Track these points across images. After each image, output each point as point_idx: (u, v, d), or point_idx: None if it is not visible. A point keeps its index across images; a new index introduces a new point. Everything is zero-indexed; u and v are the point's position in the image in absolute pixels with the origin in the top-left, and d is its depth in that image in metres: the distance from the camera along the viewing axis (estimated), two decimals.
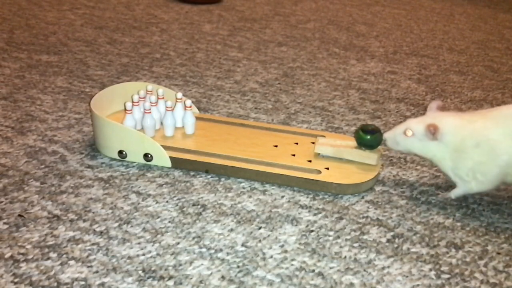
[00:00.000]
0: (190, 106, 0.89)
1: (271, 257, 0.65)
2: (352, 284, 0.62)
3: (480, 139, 0.73)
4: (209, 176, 0.82)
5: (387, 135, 0.80)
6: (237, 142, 0.88)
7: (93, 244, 0.66)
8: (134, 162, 0.84)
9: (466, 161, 0.74)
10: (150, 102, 0.87)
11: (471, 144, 0.73)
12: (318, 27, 1.70)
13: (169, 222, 0.71)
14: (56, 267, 0.61)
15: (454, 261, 0.67)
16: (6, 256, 0.63)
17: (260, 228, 0.71)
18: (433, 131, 0.74)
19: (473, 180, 0.75)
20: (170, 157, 0.82)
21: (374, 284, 0.62)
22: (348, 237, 0.70)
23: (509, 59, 1.51)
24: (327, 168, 0.82)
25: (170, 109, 0.87)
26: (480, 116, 0.75)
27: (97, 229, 0.68)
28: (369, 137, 0.81)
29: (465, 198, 0.81)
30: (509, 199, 0.81)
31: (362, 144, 0.82)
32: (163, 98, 0.92)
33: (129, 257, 0.64)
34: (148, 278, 0.61)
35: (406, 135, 0.77)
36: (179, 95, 0.90)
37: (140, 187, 0.78)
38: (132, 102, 0.86)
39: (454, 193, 0.79)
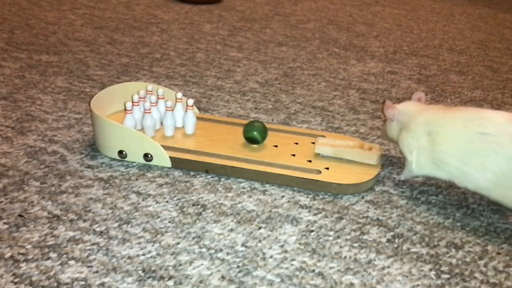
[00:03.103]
0: (192, 106, 0.89)
1: (271, 257, 0.65)
2: (352, 284, 0.62)
3: (433, 129, 0.76)
4: (209, 176, 0.82)
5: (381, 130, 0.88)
6: (237, 142, 0.88)
7: (93, 244, 0.66)
8: (134, 162, 0.84)
9: (412, 140, 0.79)
10: (150, 102, 0.87)
11: (423, 130, 0.77)
12: (318, 27, 1.70)
13: (169, 222, 0.71)
14: (56, 267, 0.61)
15: (454, 261, 0.67)
16: (6, 256, 0.63)
17: (260, 228, 0.71)
18: (388, 110, 0.83)
19: (414, 162, 0.79)
20: (170, 157, 0.82)
21: (374, 284, 0.62)
22: (348, 237, 0.70)
23: (509, 59, 1.51)
24: (327, 168, 0.82)
25: (170, 109, 0.87)
26: (446, 110, 0.78)
27: (97, 229, 0.68)
28: (255, 133, 0.85)
29: (465, 198, 0.81)
30: None
31: (252, 141, 0.87)
32: (163, 98, 0.92)
33: (129, 257, 0.64)
34: (148, 278, 0.61)
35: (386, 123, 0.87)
36: (179, 95, 0.90)
37: (140, 187, 0.78)
38: (132, 102, 0.86)
39: (403, 175, 0.84)
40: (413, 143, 0.78)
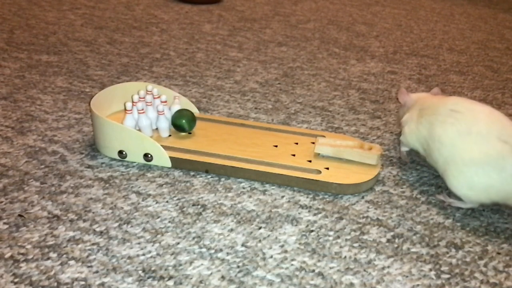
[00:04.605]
0: (163, 111, 0.87)
1: (271, 257, 0.65)
2: (352, 284, 0.62)
3: (423, 107, 0.84)
4: (209, 176, 0.82)
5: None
6: (237, 142, 0.88)
7: (93, 244, 0.66)
8: (134, 162, 0.84)
9: (407, 115, 0.87)
10: (146, 102, 0.87)
11: (417, 108, 0.85)
12: (318, 27, 1.70)
13: (169, 222, 0.71)
14: (56, 267, 0.61)
15: (454, 261, 0.67)
16: (6, 256, 0.63)
17: (260, 228, 0.71)
18: (401, 95, 0.93)
19: (404, 130, 0.86)
20: (170, 157, 0.82)
21: (374, 284, 0.62)
22: (348, 237, 0.70)
23: (509, 59, 1.51)
24: (327, 168, 0.82)
25: (162, 113, 0.87)
26: (443, 97, 0.86)
27: (97, 229, 0.68)
28: (184, 120, 0.87)
29: None
30: None
31: (179, 129, 0.89)
32: (158, 97, 0.91)
33: (129, 257, 0.64)
34: (148, 278, 0.61)
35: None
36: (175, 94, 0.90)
37: (140, 187, 0.78)
38: (132, 102, 0.86)
39: (400, 148, 0.90)
40: (407, 117, 0.87)
